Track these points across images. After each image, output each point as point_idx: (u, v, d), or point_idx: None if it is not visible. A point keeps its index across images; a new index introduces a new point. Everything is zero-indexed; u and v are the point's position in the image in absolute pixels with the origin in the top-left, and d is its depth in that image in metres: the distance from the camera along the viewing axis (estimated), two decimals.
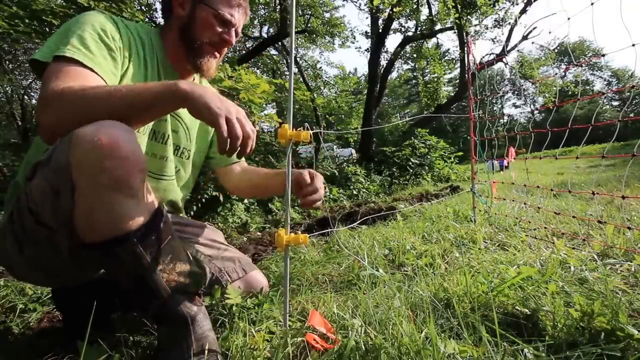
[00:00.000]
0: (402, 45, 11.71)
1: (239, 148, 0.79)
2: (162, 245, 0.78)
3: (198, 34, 1.06)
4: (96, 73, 0.85)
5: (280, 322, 0.99)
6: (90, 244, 0.73)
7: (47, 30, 2.72)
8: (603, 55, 1.55)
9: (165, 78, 1.09)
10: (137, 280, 0.76)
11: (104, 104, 0.74)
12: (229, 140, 0.77)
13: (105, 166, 0.67)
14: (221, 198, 3.61)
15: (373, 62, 11.10)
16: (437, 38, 13.15)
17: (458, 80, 12.91)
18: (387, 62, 12.11)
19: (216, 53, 1.12)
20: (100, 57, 0.87)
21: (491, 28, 11.62)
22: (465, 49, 2.52)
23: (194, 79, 1.22)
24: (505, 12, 11.17)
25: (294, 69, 1.07)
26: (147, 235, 0.75)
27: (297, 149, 6.73)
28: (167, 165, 1.15)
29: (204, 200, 3.56)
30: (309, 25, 11.80)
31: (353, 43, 16.17)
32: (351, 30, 13.13)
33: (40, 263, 0.87)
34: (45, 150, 0.79)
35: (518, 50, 13.88)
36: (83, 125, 0.70)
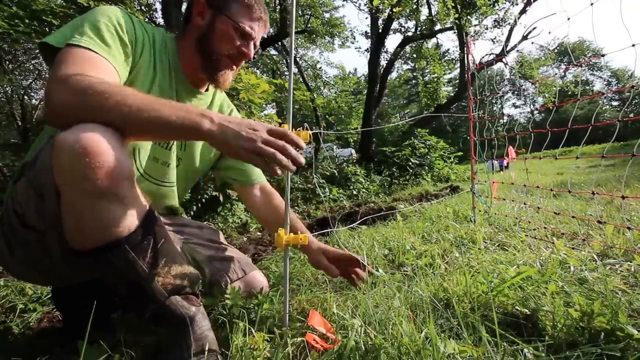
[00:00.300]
0: (402, 45, 11.72)
1: (289, 164, 0.75)
2: (156, 249, 0.77)
3: (216, 46, 1.04)
4: (111, 64, 0.84)
5: (280, 322, 0.99)
6: (81, 250, 0.72)
7: (47, 30, 2.72)
8: (603, 56, 1.55)
9: (177, 85, 1.08)
10: (131, 285, 0.75)
11: (118, 109, 0.70)
12: (271, 167, 0.74)
13: (88, 174, 0.65)
14: (221, 198, 3.61)
15: (373, 62, 11.11)
16: (437, 38, 13.18)
17: (458, 81, 12.91)
18: (387, 62, 12.12)
19: (233, 66, 1.09)
20: (115, 50, 0.87)
21: (491, 28, 11.65)
22: (465, 49, 2.52)
23: (207, 89, 1.19)
24: (505, 12, 11.19)
25: (294, 69, 1.07)
26: (139, 241, 0.74)
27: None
28: (169, 172, 1.13)
29: (203, 200, 3.56)
30: (309, 25, 11.81)
31: (353, 43, 16.20)
32: (351, 31, 13.15)
33: (32, 264, 0.87)
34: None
35: (518, 51, 13.91)
36: (90, 118, 0.69)
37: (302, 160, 0.78)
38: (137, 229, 0.73)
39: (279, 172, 0.75)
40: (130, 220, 0.72)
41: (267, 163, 0.74)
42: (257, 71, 12.29)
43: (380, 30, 11.05)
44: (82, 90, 0.70)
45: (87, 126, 0.67)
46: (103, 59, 0.82)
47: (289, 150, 0.76)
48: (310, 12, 11.59)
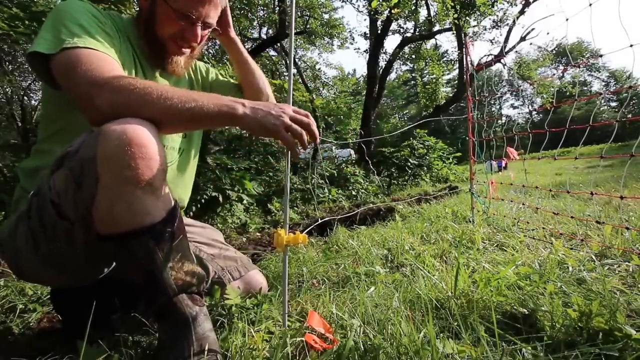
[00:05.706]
0: (400, 46, 11.72)
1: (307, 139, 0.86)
2: (174, 243, 0.79)
3: (158, 31, 1.01)
4: (113, 58, 0.86)
5: (279, 322, 1.00)
6: (106, 235, 0.75)
7: None
8: (600, 56, 1.56)
9: (143, 68, 1.06)
10: (147, 275, 0.77)
11: (163, 102, 0.76)
12: (295, 145, 0.84)
13: (131, 164, 0.69)
14: (220, 199, 3.61)
15: (372, 63, 11.10)
16: (436, 39, 13.15)
17: (457, 81, 12.90)
18: (385, 63, 12.13)
19: (183, 50, 1.05)
20: (108, 44, 0.88)
21: (489, 29, 11.64)
22: (464, 50, 2.52)
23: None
24: (504, 13, 11.20)
25: (293, 70, 1.07)
26: (162, 232, 0.77)
27: None
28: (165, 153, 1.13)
29: (203, 200, 3.55)
30: (308, 26, 11.80)
31: (352, 44, 16.21)
32: (350, 32, 13.11)
33: (54, 260, 0.88)
34: (38, 162, 0.81)
35: (516, 51, 13.91)
36: (135, 114, 0.74)
37: (318, 139, 0.90)
38: (161, 220, 0.76)
39: (301, 153, 0.84)
40: (158, 212, 0.76)
41: (293, 142, 0.83)
42: None
43: (379, 31, 11.05)
44: (125, 88, 0.75)
45: (131, 119, 0.73)
46: (106, 55, 0.84)
47: (312, 128, 0.86)
48: (309, 13, 11.57)
